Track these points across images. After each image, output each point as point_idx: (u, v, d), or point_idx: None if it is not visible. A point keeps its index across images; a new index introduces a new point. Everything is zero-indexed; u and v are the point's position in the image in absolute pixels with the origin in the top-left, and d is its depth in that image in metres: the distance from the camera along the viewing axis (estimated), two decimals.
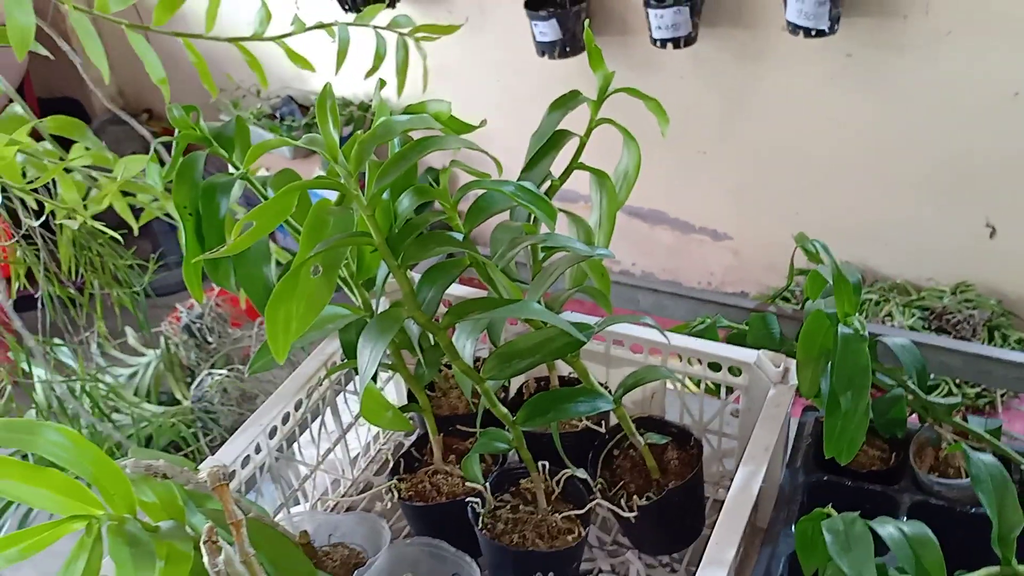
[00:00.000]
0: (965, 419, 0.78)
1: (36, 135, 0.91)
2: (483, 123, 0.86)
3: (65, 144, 0.94)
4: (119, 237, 1.14)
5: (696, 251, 2.52)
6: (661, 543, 0.82)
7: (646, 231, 2.56)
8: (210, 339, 1.66)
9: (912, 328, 2.05)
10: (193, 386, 1.56)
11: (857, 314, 0.71)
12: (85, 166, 0.95)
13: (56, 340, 1.43)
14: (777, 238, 2.18)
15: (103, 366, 1.57)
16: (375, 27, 1.03)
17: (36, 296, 1.29)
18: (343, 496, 0.85)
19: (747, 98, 2.21)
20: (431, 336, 0.75)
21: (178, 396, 1.61)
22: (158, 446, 1.48)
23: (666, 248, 2.56)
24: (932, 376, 1.95)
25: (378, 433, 0.94)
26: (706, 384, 0.85)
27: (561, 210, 0.89)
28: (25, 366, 1.30)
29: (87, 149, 0.90)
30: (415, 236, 0.68)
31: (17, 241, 1.15)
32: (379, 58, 1.03)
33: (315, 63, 1.04)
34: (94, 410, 1.44)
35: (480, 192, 0.74)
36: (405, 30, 1.03)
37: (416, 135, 0.72)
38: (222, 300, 1.76)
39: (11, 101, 0.93)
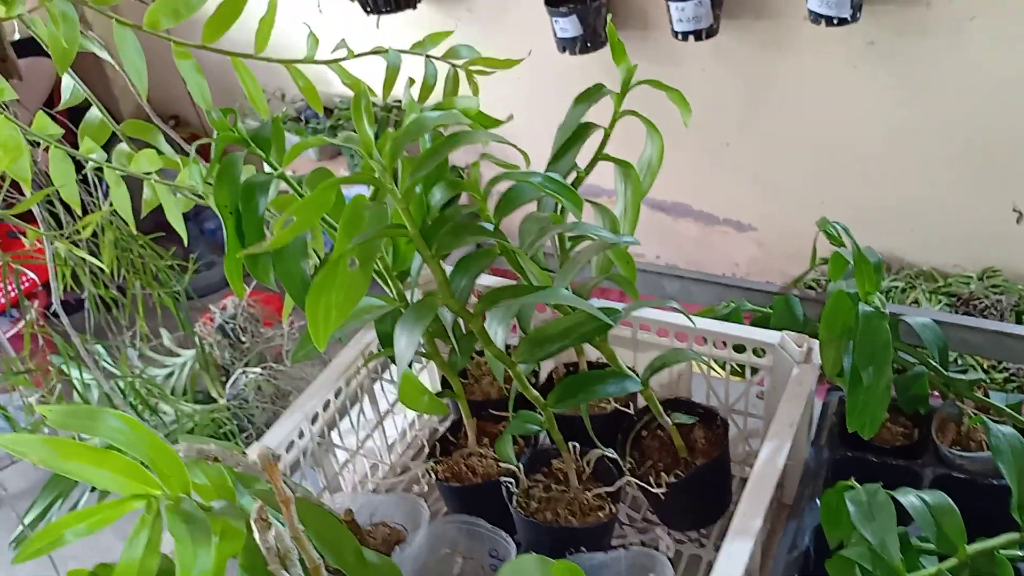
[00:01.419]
0: (986, 395, 0.80)
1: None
2: (510, 118, 0.89)
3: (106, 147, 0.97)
4: (157, 239, 1.18)
5: (720, 243, 2.54)
6: (689, 519, 0.84)
7: (670, 224, 2.57)
8: (243, 339, 1.70)
9: None
10: (228, 384, 1.60)
11: (878, 293, 0.73)
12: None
13: (100, 341, 1.48)
14: (801, 228, 2.19)
15: (140, 367, 1.62)
16: (428, 56, 0.95)
17: (74, 300, 1.34)
18: (382, 479, 0.89)
19: (769, 88, 2.22)
20: (463, 324, 0.78)
21: (214, 394, 1.66)
22: None
23: (690, 240, 2.57)
24: (957, 358, 1.94)
25: (414, 420, 0.97)
26: (731, 366, 0.87)
27: (587, 200, 0.92)
28: (77, 367, 1.35)
29: (160, 153, 0.92)
30: (448, 227, 0.71)
31: (58, 244, 1.19)
32: (427, 89, 0.95)
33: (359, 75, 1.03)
34: (139, 407, 1.48)
35: (509, 184, 0.77)
36: (459, 61, 0.96)
37: (446, 132, 0.75)
38: (254, 301, 1.80)
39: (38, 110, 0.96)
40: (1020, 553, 0.69)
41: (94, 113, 0.95)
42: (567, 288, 0.83)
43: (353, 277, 0.70)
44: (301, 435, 0.80)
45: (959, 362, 2.03)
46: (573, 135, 0.87)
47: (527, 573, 0.51)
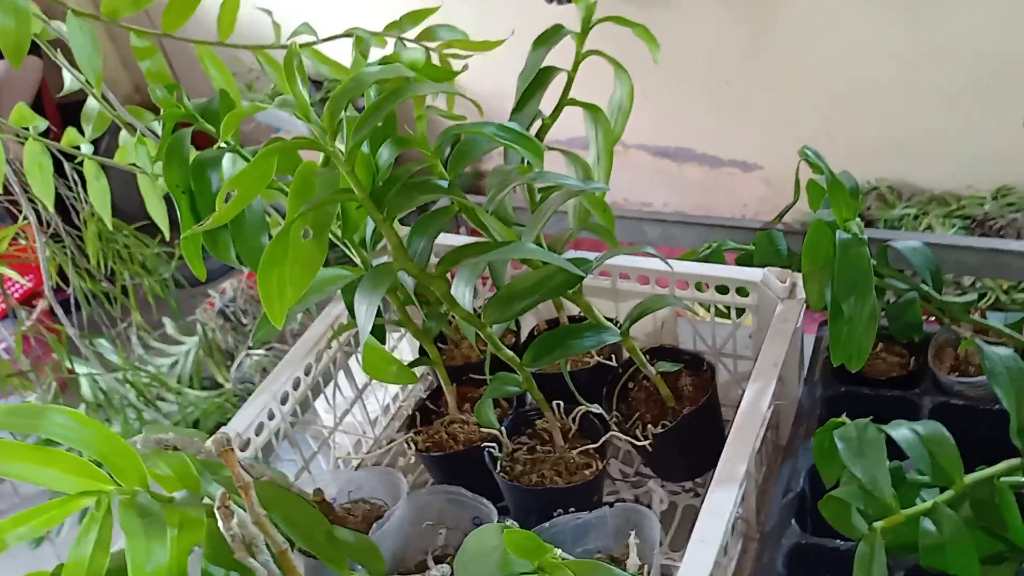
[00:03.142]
0: (983, 316, 0.76)
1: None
2: (465, 68, 0.86)
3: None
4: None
5: (727, 184, 2.48)
6: (682, 470, 0.82)
7: (675, 170, 2.52)
8: (245, 321, 1.68)
9: None
10: (233, 368, 1.59)
11: (856, 219, 0.69)
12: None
13: (99, 335, 1.47)
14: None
15: (144, 357, 1.61)
16: (401, 38, 0.89)
17: (68, 294, 1.33)
18: (367, 454, 0.87)
19: (770, 25, 2.15)
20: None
21: (219, 379, 1.65)
22: (206, 429, 1.52)
23: (696, 185, 2.52)
24: (975, 282, 1.88)
25: (397, 392, 0.95)
26: (717, 308, 0.84)
27: (556, 149, 0.88)
28: (68, 363, 1.34)
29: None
30: (397, 187, 0.68)
31: (46, 241, 1.17)
32: None
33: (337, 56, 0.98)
34: (140, 399, 1.48)
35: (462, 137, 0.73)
36: (434, 44, 0.90)
37: None
38: (253, 282, 1.78)
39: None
40: (1022, 479, 0.65)
41: (91, 104, 0.92)
42: (535, 242, 0.80)
43: (307, 248, 0.67)
44: (272, 416, 0.78)
45: (977, 284, 1.98)
46: (534, 81, 0.83)
47: (487, 543, 0.48)
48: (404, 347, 0.96)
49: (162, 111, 0.80)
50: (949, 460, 0.63)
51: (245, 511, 0.59)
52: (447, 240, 0.90)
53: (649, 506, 0.79)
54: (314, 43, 0.95)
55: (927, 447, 0.63)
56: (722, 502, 0.63)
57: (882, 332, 0.81)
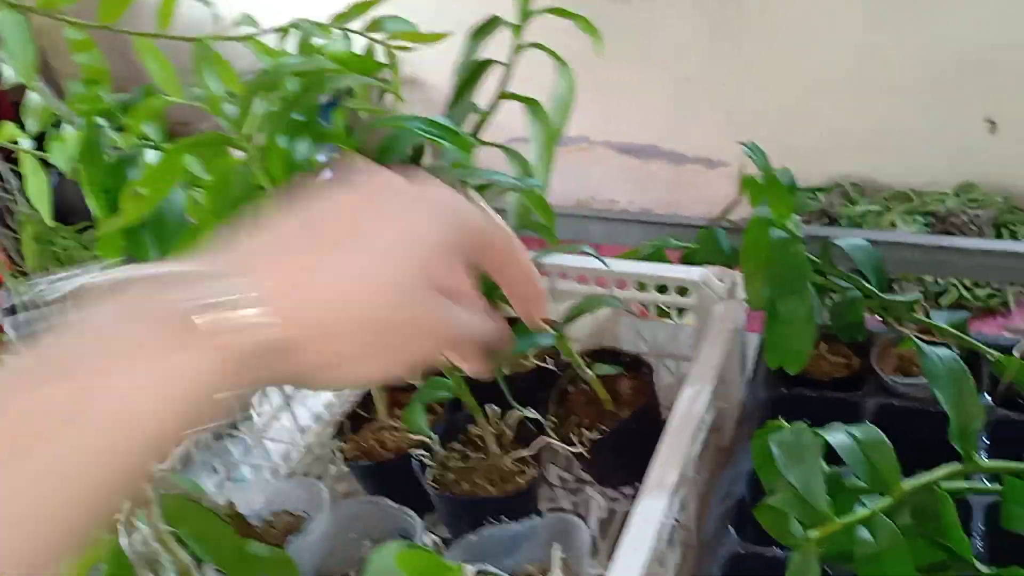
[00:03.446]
0: (928, 316, 0.74)
1: None
2: (393, 59, 0.83)
3: None
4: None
5: (693, 182, 2.47)
6: (622, 475, 0.79)
7: (639, 167, 2.51)
8: None
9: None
10: None
11: (793, 216, 0.67)
12: None
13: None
14: (774, 156, 2.13)
15: None
16: (345, 29, 0.85)
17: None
18: (297, 463, 0.83)
19: (733, 21, 2.14)
20: None
21: None
22: None
23: (663, 182, 2.51)
24: (936, 280, 1.87)
25: (332, 398, 0.92)
26: (660, 308, 0.82)
27: (494, 145, 0.85)
28: None
29: None
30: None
31: None
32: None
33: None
34: None
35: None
36: (380, 35, 0.85)
37: None
38: None
39: None
40: (964, 485, 0.63)
41: (33, 97, 0.88)
42: None
43: None
44: None
45: (939, 283, 1.97)
46: (470, 74, 0.80)
47: (384, 564, 0.45)
48: None
49: (80, 107, 0.76)
50: (887, 465, 0.60)
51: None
52: None
53: (587, 514, 0.77)
54: (255, 34, 0.92)
55: (865, 452, 0.61)
56: (651, 510, 0.60)
57: (826, 332, 0.78)
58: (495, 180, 0.72)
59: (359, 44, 0.87)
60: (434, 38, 0.86)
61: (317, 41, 0.83)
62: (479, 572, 0.58)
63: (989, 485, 0.64)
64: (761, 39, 2.13)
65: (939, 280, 1.95)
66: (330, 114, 0.73)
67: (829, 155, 2.21)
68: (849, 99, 2.11)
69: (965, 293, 1.95)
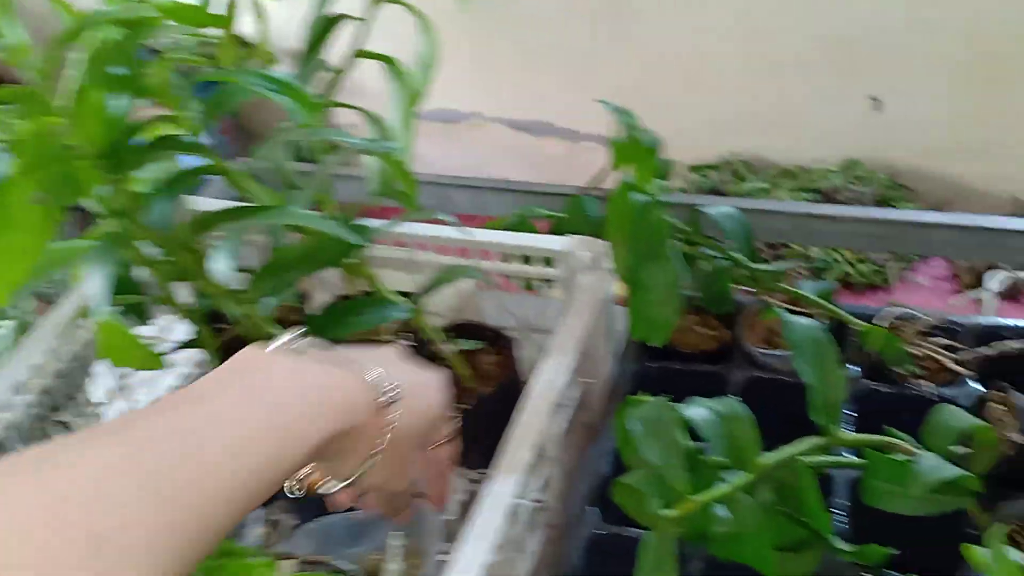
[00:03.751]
0: (795, 285, 0.72)
1: None
2: (230, 14, 0.76)
3: None
4: None
5: (587, 159, 2.45)
6: (483, 455, 0.75)
7: (533, 143, 2.47)
8: None
9: None
10: None
11: (656, 180, 0.64)
12: None
13: None
14: (664, 136, 2.13)
15: None
16: None
17: None
18: None
19: None
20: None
21: None
22: None
23: (557, 160, 2.48)
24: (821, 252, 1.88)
25: (176, 383, 0.85)
26: (526, 280, 0.78)
27: (349, 106, 0.80)
28: None
29: None
30: (134, 143, 0.58)
31: None
32: None
33: None
34: None
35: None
36: None
37: None
38: None
39: None
40: (825, 459, 0.61)
41: None
42: (338, 213, 0.72)
43: (36, 214, 0.58)
44: (7, 408, 0.67)
45: (825, 259, 2.00)
46: (319, 30, 0.74)
47: None
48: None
49: None
50: (747, 440, 0.58)
51: None
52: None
53: None
54: None
55: (725, 427, 0.58)
56: (501, 493, 0.56)
57: (696, 304, 0.76)
58: (346, 142, 0.67)
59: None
60: None
61: None
62: (304, 562, 0.54)
63: (853, 459, 0.62)
64: (650, 16, 2.12)
65: (825, 256, 1.98)
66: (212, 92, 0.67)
67: (719, 133, 2.22)
68: (738, 77, 2.12)
69: (849, 269, 1.98)
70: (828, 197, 2.05)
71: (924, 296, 1.95)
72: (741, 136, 2.22)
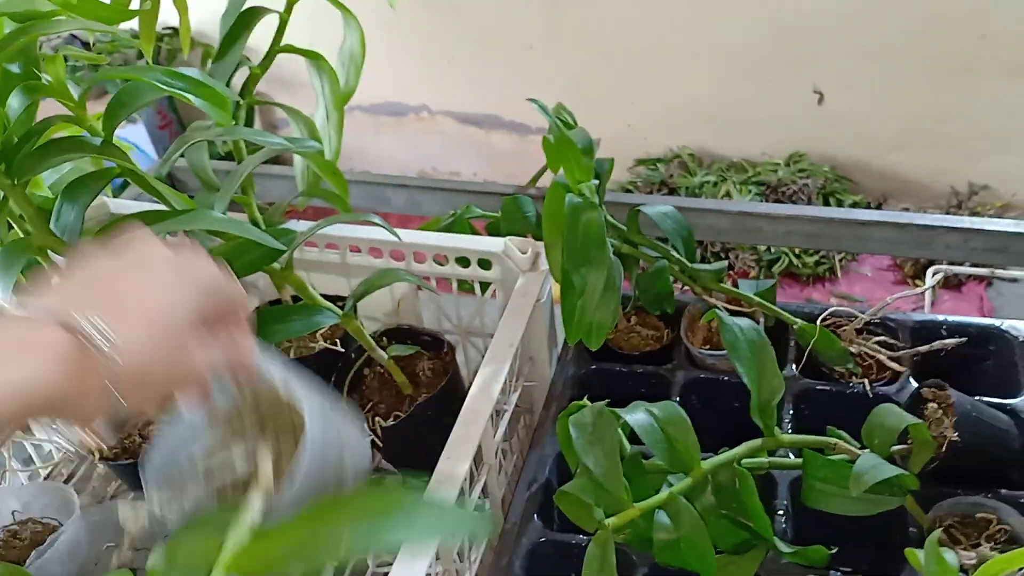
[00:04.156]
0: (735, 284, 0.71)
1: None
2: (145, 6, 0.73)
3: None
4: None
5: (537, 152, 2.41)
6: (424, 460, 0.73)
7: (482, 138, 2.45)
8: None
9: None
10: None
11: (589, 182, 0.62)
12: None
13: None
14: (614, 130, 2.12)
15: None
16: None
17: None
18: (61, 463, 0.73)
19: None
20: None
21: None
22: None
23: (507, 153, 2.46)
24: (769, 248, 1.89)
25: None
26: (469, 283, 0.76)
27: (270, 103, 0.77)
28: None
29: None
30: (31, 145, 0.55)
31: None
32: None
33: None
34: None
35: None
36: None
37: None
38: None
39: None
40: (766, 460, 0.61)
41: None
42: (253, 220, 0.69)
43: None
44: None
45: (771, 251, 2.01)
46: (237, 22, 0.71)
47: None
48: None
49: None
50: (687, 445, 0.57)
51: None
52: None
53: None
54: None
55: (664, 431, 0.57)
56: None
57: (637, 304, 0.75)
58: (263, 142, 0.64)
59: None
60: None
61: None
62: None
63: (792, 460, 0.62)
64: (598, 9, 2.11)
65: (771, 249, 1.99)
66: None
67: (669, 126, 2.22)
68: (684, 72, 2.12)
69: (795, 261, 1.99)
70: (774, 190, 2.06)
71: (868, 286, 1.97)
72: (690, 130, 2.22)
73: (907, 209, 2.11)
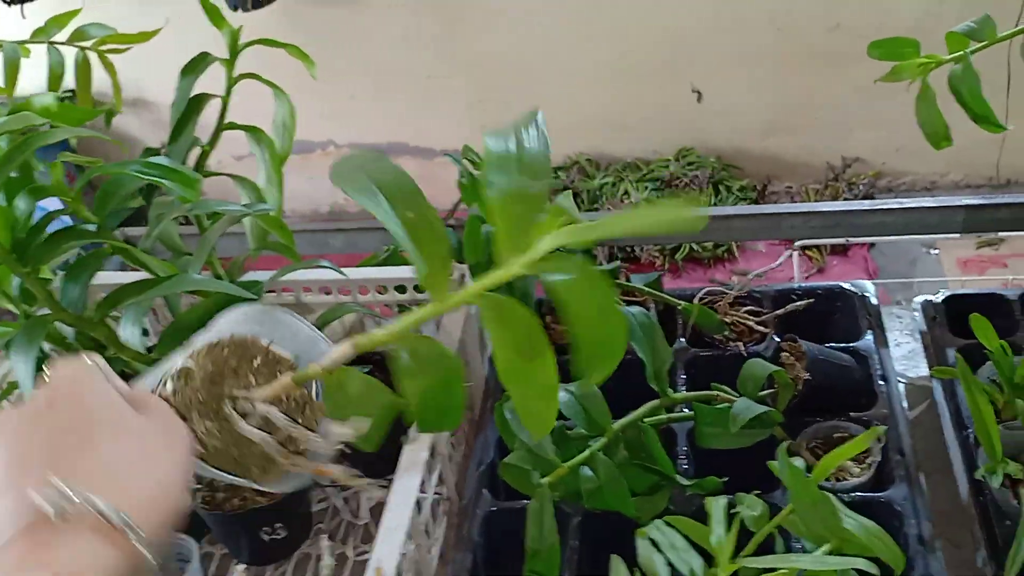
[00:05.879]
0: (628, 280, 0.86)
1: None
2: (111, 109, 0.84)
3: None
4: None
5: (444, 175, 2.54)
6: (386, 463, 0.86)
7: None
8: None
9: (648, 201, 2.19)
10: None
11: None
12: None
13: None
14: None
15: None
16: (50, 42, 0.87)
17: None
18: None
19: (456, 15, 2.25)
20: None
21: None
22: None
23: (415, 178, 2.58)
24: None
25: None
26: (407, 306, 0.89)
27: (221, 174, 0.89)
28: None
29: None
30: (40, 238, 0.66)
31: None
32: (55, 79, 0.87)
33: None
34: None
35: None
36: (87, 43, 0.88)
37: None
38: None
39: None
40: (662, 416, 0.75)
41: None
42: (215, 273, 0.80)
43: None
44: None
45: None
46: (186, 110, 0.83)
47: None
48: None
49: None
50: (599, 412, 0.71)
51: None
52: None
53: (358, 505, 0.83)
54: None
55: (581, 404, 0.71)
56: (406, 490, 0.67)
57: (551, 306, 0.89)
58: (223, 209, 0.76)
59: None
60: (142, 38, 0.88)
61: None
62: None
63: (686, 412, 0.76)
64: (482, 30, 2.25)
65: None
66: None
67: (565, 135, 2.37)
68: (575, 84, 2.27)
69: (696, 247, 2.15)
70: (668, 184, 2.23)
71: (763, 260, 2.15)
72: (585, 137, 2.38)
73: (790, 187, 2.31)
